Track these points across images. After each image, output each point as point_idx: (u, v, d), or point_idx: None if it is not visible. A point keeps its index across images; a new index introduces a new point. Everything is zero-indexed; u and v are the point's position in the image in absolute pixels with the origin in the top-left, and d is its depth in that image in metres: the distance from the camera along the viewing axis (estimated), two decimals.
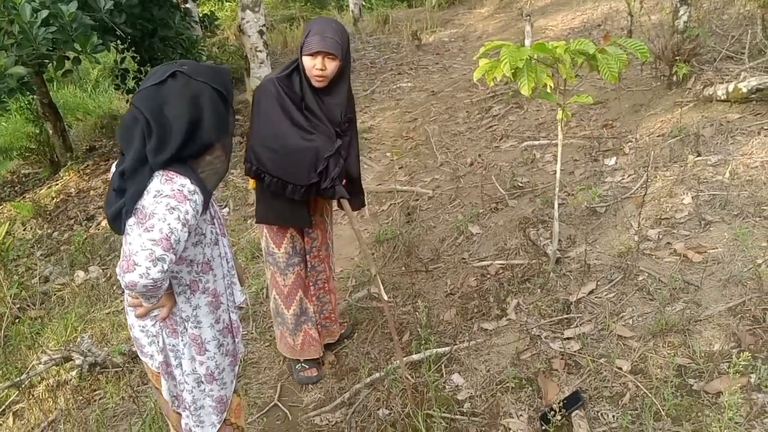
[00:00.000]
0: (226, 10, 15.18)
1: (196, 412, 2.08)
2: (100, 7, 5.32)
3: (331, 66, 2.56)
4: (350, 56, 2.74)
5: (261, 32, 6.94)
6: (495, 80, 2.99)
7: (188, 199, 1.74)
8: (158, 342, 1.98)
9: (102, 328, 4.04)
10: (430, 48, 9.50)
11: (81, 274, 4.98)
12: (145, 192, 1.76)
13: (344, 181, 2.74)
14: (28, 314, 4.45)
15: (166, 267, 1.68)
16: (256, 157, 2.60)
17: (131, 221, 1.76)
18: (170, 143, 1.75)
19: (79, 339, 3.71)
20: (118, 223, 1.82)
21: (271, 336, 3.58)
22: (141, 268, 1.65)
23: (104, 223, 5.99)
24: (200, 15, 9.04)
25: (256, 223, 2.77)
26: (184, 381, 2.04)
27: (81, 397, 3.32)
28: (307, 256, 2.96)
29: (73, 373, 3.43)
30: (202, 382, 2.05)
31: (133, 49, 7.29)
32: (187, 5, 7.93)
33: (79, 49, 5.06)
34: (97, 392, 3.38)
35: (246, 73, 7.09)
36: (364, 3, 13.85)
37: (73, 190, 7.09)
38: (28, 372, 3.53)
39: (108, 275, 4.87)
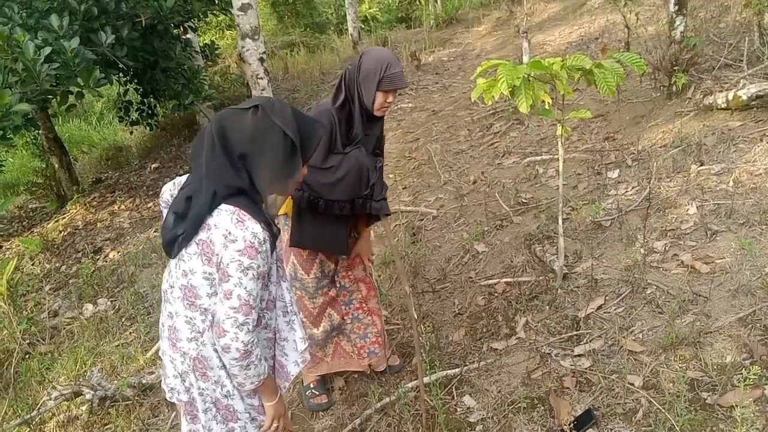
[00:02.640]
0: (227, 39, 15.36)
1: None
2: (101, 41, 5.40)
3: None
4: None
5: (261, 59, 6.99)
6: (494, 99, 3.00)
7: (259, 253, 1.74)
8: (185, 381, 1.92)
9: (111, 360, 4.03)
10: (429, 68, 9.56)
11: (90, 307, 4.99)
12: (213, 225, 1.76)
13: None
14: (37, 350, 4.46)
15: (251, 327, 1.75)
16: (307, 184, 2.58)
17: (192, 250, 1.79)
18: (226, 171, 1.78)
19: (88, 373, 3.71)
20: (172, 248, 1.85)
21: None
22: (230, 334, 1.73)
23: (112, 254, 6.03)
24: (201, 45, 9.14)
25: (289, 246, 2.75)
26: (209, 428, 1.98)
27: None
28: (336, 276, 2.95)
29: (84, 408, 3.42)
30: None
31: (136, 81, 7.38)
32: (188, 36, 8.01)
33: (83, 83, 5.14)
34: (107, 426, 3.37)
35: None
36: (363, 26, 13.98)
37: (80, 222, 7.14)
38: (38, 408, 3.52)
39: (117, 307, 4.87)
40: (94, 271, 5.67)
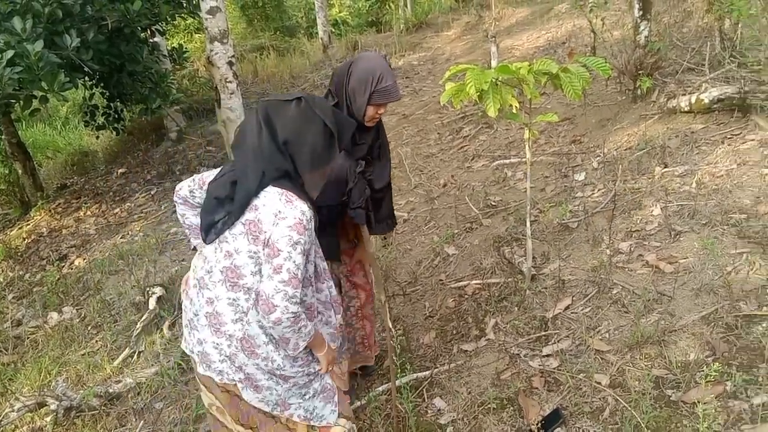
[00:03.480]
0: (196, 42, 15.22)
1: (310, 407, 2.11)
2: (66, 44, 5.31)
3: None
4: None
5: (230, 63, 6.94)
6: (462, 103, 3.02)
7: (306, 230, 1.87)
8: (235, 362, 1.97)
9: (77, 370, 3.96)
10: (399, 72, 9.59)
11: (54, 315, 4.89)
12: (261, 205, 1.88)
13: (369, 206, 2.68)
14: (0, 360, 4.35)
15: (299, 300, 1.86)
16: None
17: (238, 230, 1.90)
18: (274, 155, 1.91)
19: (53, 383, 3.64)
20: (209, 233, 1.95)
21: None
22: (280, 308, 1.81)
23: (77, 262, 5.92)
24: (169, 48, 9.04)
25: None
26: (274, 388, 2.03)
27: None
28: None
29: (48, 419, 3.35)
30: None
31: (102, 85, 7.26)
32: (155, 39, 7.92)
33: (47, 87, 5.04)
34: None
35: (216, 105, 7.08)
36: (333, 30, 13.97)
37: (44, 229, 7.00)
38: (0, 420, 3.44)
39: (82, 315, 4.78)
40: (59, 279, 5.55)
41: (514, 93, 3.04)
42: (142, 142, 9.02)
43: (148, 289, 4.54)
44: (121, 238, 6.24)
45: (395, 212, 2.97)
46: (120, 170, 8.38)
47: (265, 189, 1.89)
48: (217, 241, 1.95)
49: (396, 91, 2.45)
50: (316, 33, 13.45)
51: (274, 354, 1.96)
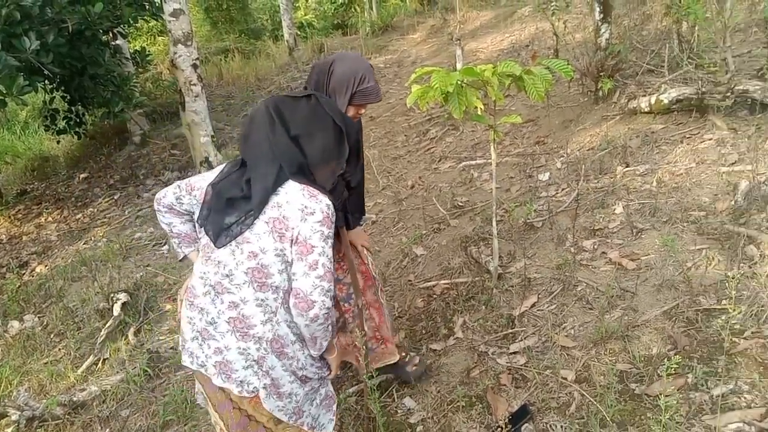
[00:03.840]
0: (159, 45, 15.04)
1: (316, 414, 2.10)
2: (25, 47, 5.19)
3: None
4: None
5: (195, 66, 6.87)
6: (428, 105, 3.04)
7: (333, 223, 1.91)
8: (263, 366, 1.91)
9: (40, 379, 3.87)
10: None
11: (15, 324, 4.76)
12: (284, 202, 1.86)
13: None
14: None
15: (332, 294, 1.90)
16: None
17: (261, 229, 1.86)
18: (290, 148, 1.92)
19: (14, 393, 3.55)
20: (219, 237, 1.89)
21: None
22: (318, 303, 1.83)
23: (39, 268, 5.78)
24: (131, 51, 8.91)
25: None
26: (295, 393, 2.01)
27: None
28: None
29: (9, 429, 3.26)
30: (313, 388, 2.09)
31: (63, 88, 7.12)
32: (117, 42, 7.80)
33: (5, 91, 4.93)
34: None
35: (181, 107, 7.00)
36: (299, 32, 13.94)
37: (3, 236, 6.83)
38: None
39: (44, 323, 4.68)
40: (19, 287, 5.42)
41: (479, 95, 3.08)
42: (105, 146, 8.87)
43: (112, 295, 4.46)
44: (83, 244, 6.12)
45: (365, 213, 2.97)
46: (82, 175, 8.22)
47: (284, 185, 1.88)
48: (234, 243, 1.88)
49: (377, 92, 2.43)
50: (282, 36, 13.41)
51: (299, 353, 1.97)
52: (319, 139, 1.95)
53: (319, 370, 2.06)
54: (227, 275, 1.89)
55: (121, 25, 7.23)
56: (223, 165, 2.07)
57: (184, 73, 6.85)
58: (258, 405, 1.93)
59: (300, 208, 1.86)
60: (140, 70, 9.43)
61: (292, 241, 1.85)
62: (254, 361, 1.89)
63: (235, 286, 1.88)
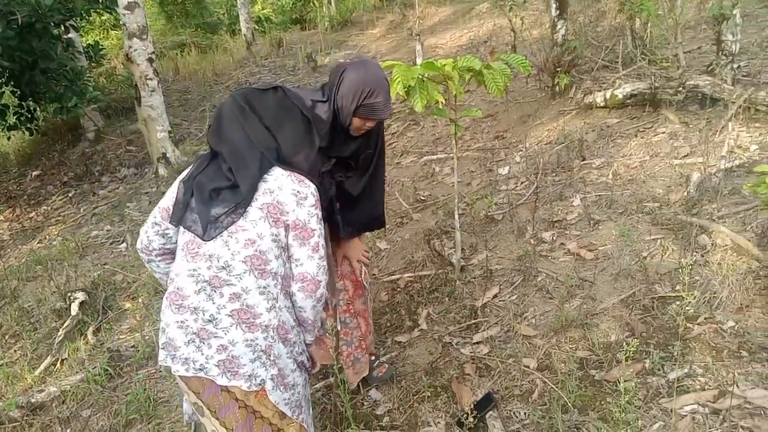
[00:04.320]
0: (112, 39, 14.68)
1: (308, 411, 2.10)
2: None
3: None
4: None
5: (150, 60, 6.76)
6: (390, 99, 3.05)
7: (320, 206, 1.98)
8: (270, 356, 1.88)
9: None
10: (325, 69, 9.56)
11: None
12: (276, 188, 1.89)
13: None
14: None
15: None
16: None
17: (256, 216, 1.86)
18: (267, 135, 1.97)
19: None
20: (209, 229, 1.86)
21: None
22: (323, 283, 1.94)
23: None
24: (84, 45, 8.68)
25: None
26: (297, 384, 2.00)
27: None
28: None
29: None
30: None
31: (12, 83, 6.90)
32: (70, 35, 7.59)
33: None
34: None
35: (137, 102, 6.88)
36: (256, 27, 13.79)
37: None
38: None
39: None
40: None
41: (440, 89, 3.11)
42: (58, 142, 8.63)
43: (69, 294, 4.36)
44: (38, 243, 5.95)
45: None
46: (34, 172, 7.98)
47: (271, 171, 1.91)
48: (226, 233, 1.85)
49: (385, 109, 2.28)
50: (239, 30, 13.25)
51: (298, 338, 2.00)
52: (288, 129, 1.98)
53: (308, 362, 2.08)
54: (224, 267, 1.84)
55: (74, 18, 7.01)
56: (189, 168, 2.03)
57: (140, 68, 6.73)
58: (264, 398, 1.87)
59: (293, 193, 1.90)
60: (93, 64, 9.20)
61: (287, 226, 1.89)
62: (262, 351, 1.85)
63: (235, 277, 1.83)
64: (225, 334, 1.82)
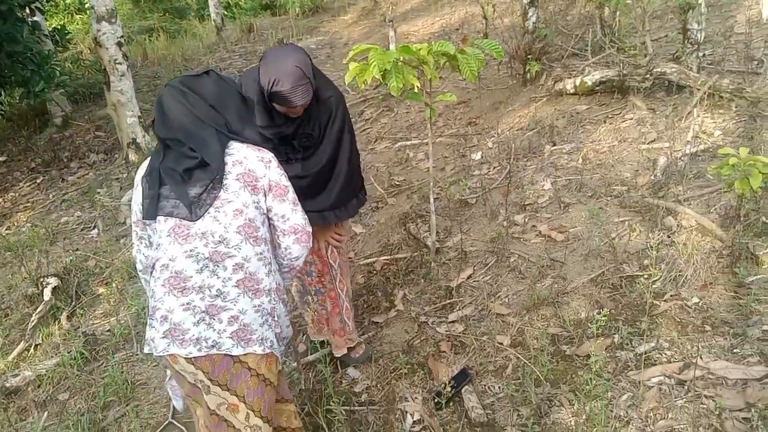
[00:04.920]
0: (77, 23, 14.36)
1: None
2: None
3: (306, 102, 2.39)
4: (317, 73, 2.52)
5: (119, 44, 6.66)
6: (366, 83, 3.09)
7: None
8: (275, 317, 1.99)
9: None
10: None
11: None
12: (242, 158, 1.97)
13: None
14: None
15: None
16: None
17: (236, 187, 1.93)
18: (214, 114, 2.01)
19: None
20: (192, 210, 1.89)
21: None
22: (310, 231, 2.09)
23: None
24: (50, 29, 8.49)
25: None
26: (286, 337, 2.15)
27: None
28: None
29: None
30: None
31: None
32: (35, 18, 7.42)
33: None
34: None
35: (106, 87, 6.78)
36: (226, 12, 13.63)
37: None
38: None
39: None
40: None
41: (415, 74, 3.15)
42: (24, 128, 8.45)
43: (41, 279, 4.32)
44: (6, 229, 5.86)
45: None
46: (0, 158, 7.82)
47: (229, 145, 1.97)
48: (212, 209, 1.89)
49: (293, 96, 2.30)
50: (208, 15, 13.07)
51: (285, 296, 2.13)
52: (231, 106, 2.04)
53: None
54: (220, 241, 1.87)
55: (39, 0, 6.88)
56: (143, 168, 2.04)
57: (109, 52, 6.62)
58: (272, 364, 1.96)
59: (259, 159, 1.99)
60: (59, 49, 9.00)
61: (264, 191, 1.97)
62: (268, 314, 1.93)
63: (234, 248, 1.88)
64: (234, 304, 1.86)
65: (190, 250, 1.87)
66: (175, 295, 1.85)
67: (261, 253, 1.94)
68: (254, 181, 1.96)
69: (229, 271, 1.87)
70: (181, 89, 1.96)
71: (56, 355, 3.58)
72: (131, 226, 2.11)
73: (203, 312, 1.84)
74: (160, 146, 2.01)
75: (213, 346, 1.83)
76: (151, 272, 1.96)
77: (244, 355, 1.87)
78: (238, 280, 1.88)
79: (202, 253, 1.86)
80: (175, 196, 1.91)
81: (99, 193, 6.15)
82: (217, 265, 1.86)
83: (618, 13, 5.45)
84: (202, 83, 2.00)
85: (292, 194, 2.03)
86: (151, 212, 1.95)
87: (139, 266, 2.13)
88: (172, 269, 1.87)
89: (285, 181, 2.03)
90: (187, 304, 1.84)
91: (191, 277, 1.85)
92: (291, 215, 2.02)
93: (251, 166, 1.96)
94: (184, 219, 1.89)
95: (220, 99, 2.02)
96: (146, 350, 1.92)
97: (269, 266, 1.97)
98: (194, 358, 1.84)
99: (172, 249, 1.89)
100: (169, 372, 2.11)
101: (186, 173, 1.90)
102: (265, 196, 1.99)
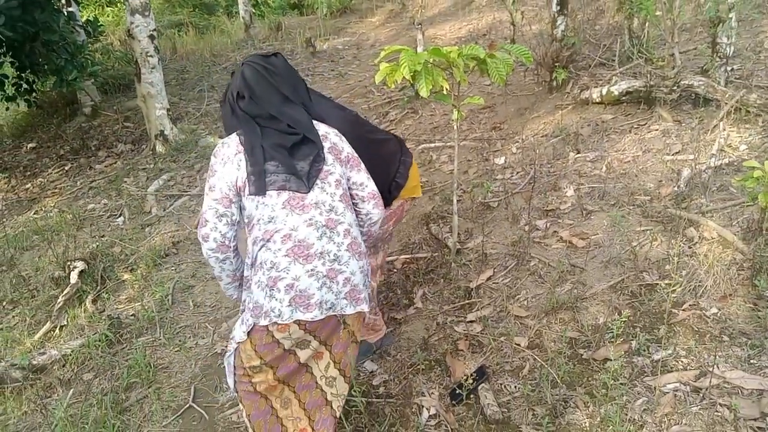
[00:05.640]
0: (108, 15, 14.60)
1: None
2: None
3: None
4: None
5: (152, 37, 6.80)
6: (396, 83, 3.15)
7: None
8: (368, 274, 2.17)
9: None
10: (324, 55, 9.63)
11: None
12: (325, 133, 2.16)
13: None
14: None
15: None
16: None
17: (331, 159, 2.12)
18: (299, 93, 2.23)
19: None
20: (307, 180, 2.03)
21: (179, 341, 3.56)
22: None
23: None
24: (83, 20, 8.65)
25: None
26: None
27: None
28: None
29: None
30: None
31: (11, 54, 6.89)
32: (71, 9, 7.58)
33: None
34: None
35: (136, 79, 6.91)
36: (254, 10, 13.76)
37: None
38: None
39: None
40: None
41: (445, 76, 3.20)
42: (54, 116, 8.62)
43: (69, 263, 4.42)
44: (34, 213, 5.99)
45: None
46: (30, 145, 7.99)
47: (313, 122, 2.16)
48: (319, 181, 2.04)
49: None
50: (237, 12, 13.21)
51: None
52: (302, 86, 2.24)
53: None
54: (330, 209, 2.04)
55: None
56: (228, 146, 2.11)
57: (141, 44, 6.75)
58: (360, 322, 2.18)
59: (335, 134, 2.21)
60: (91, 40, 9.17)
61: (345, 162, 2.19)
62: (366, 275, 2.10)
63: (341, 215, 2.06)
64: (347, 267, 2.04)
65: (309, 219, 2.00)
66: (300, 263, 1.96)
67: (355, 219, 2.16)
68: (339, 153, 2.16)
69: (341, 237, 2.04)
70: (264, 67, 2.11)
71: (81, 336, 3.67)
72: (207, 202, 2.07)
73: (324, 276, 1.98)
74: (251, 124, 2.09)
75: (331, 308, 2.00)
76: (263, 245, 1.99)
77: (356, 312, 2.06)
78: (348, 245, 2.05)
79: (319, 221, 2.01)
80: (284, 171, 2.02)
81: (125, 182, 6.27)
82: (332, 231, 2.02)
83: (647, 24, 5.45)
84: (276, 63, 2.17)
85: (363, 165, 2.23)
86: (260, 187, 2.01)
87: (211, 244, 2.10)
88: (295, 238, 1.98)
89: (356, 153, 2.23)
90: (312, 270, 1.97)
91: (313, 244, 1.98)
92: (368, 183, 2.22)
93: (334, 141, 2.16)
94: (296, 191, 2.01)
95: (294, 79, 2.19)
96: (263, 322, 1.97)
97: (360, 230, 2.21)
98: (309, 322, 1.98)
99: (292, 219, 1.99)
100: (232, 347, 2.15)
101: (294, 148, 2.04)
102: (345, 167, 2.17)
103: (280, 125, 2.07)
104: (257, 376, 2.08)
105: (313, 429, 2.18)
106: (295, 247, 1.97)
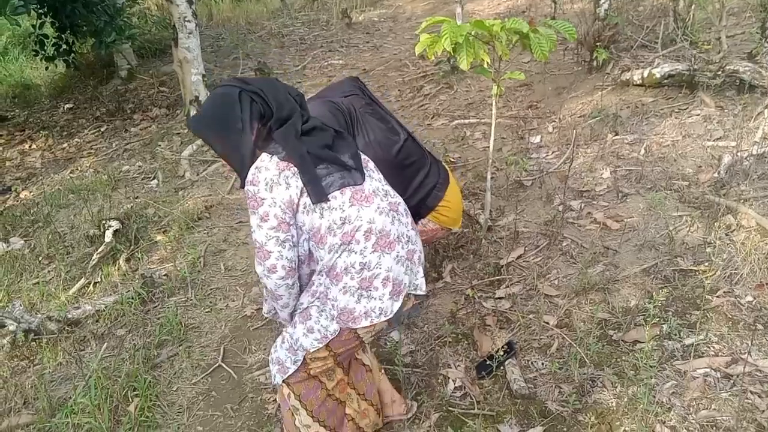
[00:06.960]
0: None
1: None
2: None
3: None
4: None
5: (190, 1, 6.79)
6: (435, 55, 3.12)
7: None
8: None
9: (30, 297, 3.93)
10: (360, 27, 9.56)
11: (2, 245, 4.79)
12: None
13: None
14: None
15: None
16: None
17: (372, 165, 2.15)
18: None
19: (9, 307, 3.61)
20: (358, 172, 2.02)
21: (210, 302, 3.62)
22: None
23: (24, 194, 5.76)
24: None
25: None
26: None
27: (16, 364, 3.26)
28: None
29: (7, 339, 3.35)
30: None
31: (52, 14, 6.97)
32: None
33: None
34: (32, 358, 3.32)
35: (174, 44, 6.92)
36: None
37: None
38: None
39: (32, 246, 4.70)
40: (3, 211, 5.42)
41: (486, 49, 3.16)
42: (90, 78, 8.72)
43: (104, 222, 4.50)
44: (70, 173, 6.10)
45: None
46: (67, 105, 8.10)
47: None
48: (364, 170, 2.04)
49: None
50: None
51: None
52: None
53: None
54: (386, 193, 2.05)
55: None
56: (266, 173, 1.88)
57: (179, 8, 6.76)
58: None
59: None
60: (129, 3, 9.23)
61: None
62: (422, 252, 2.16)
63: (395, 196, 2.10)
64: (416, 245, 2.08)
65: (377, 208, 1.96)
66: (387, 253, 1.94)
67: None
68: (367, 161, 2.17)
69: (405, 216, 2.07)
70: (246, 80, 2.02)
71: (114, 293, 3.75)
72: (262, 234, 1.90)
73: (406, 260, 2.01)
74: (289, 137, 1.91)
75: (413, 289, 2.06)
76: (343, 250, 1.91)
77: (424, 291, 2.10)
78: (411, 223, 2.10)
79: (384, 207, 1.99)
80: (337, 169, 1.93)
81: (160, 145, 6.34)
82: (397, 214, 2.04)
83: (693, 6, 5.31)
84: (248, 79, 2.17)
85: None
86: (320, 193, 1.88)
87: (281, 272, 1.94)
88: (375, 231, 1.93)
89: None
90: (397, 256, 1.97)
91: (390, 231, 1.97)
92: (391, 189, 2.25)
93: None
94: (355, 185, 1.94)
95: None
96: (364, 323, 1.93)
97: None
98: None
99: (366, 213, 1.92)
100: (299, 355, 2.07)
101: (334, 143, 2.00)
102: None
103: (315, 122, 1.99)
104: (315, 363, 2.06)
105: (359, 393, 2.28)
106: (379, 240, 1.92)
